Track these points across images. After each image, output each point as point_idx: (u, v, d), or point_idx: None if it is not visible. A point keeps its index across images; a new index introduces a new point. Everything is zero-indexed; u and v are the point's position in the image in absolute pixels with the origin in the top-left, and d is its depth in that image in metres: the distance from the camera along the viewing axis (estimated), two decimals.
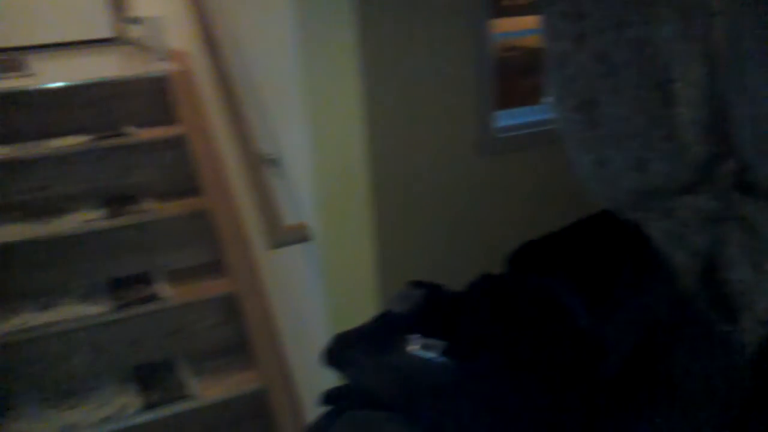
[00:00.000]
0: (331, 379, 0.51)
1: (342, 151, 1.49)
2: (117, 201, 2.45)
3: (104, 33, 4.18)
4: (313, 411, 1.94)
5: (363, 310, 1.60)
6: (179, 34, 2.81)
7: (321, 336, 1.71)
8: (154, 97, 2.73)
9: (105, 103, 2.67)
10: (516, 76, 2.15)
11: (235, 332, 2.27)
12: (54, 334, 2.08)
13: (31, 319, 2.10)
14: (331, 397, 0.49)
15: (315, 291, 1.67)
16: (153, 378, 2.12)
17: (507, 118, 1.90)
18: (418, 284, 0.52)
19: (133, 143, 2.50)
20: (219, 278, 2.35)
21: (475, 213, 1.85)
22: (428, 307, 0.50)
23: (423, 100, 1.71)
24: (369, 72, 1.52)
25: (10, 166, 2.37)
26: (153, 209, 2.39)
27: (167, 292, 2.23)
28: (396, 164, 1.71)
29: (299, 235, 1.57)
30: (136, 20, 3.51)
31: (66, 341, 2.11)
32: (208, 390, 2.06)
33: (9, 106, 2.56)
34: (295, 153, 1.61)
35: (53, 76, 2.90)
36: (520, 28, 2.11)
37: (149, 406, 1.98)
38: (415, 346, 0.46)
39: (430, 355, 0.46)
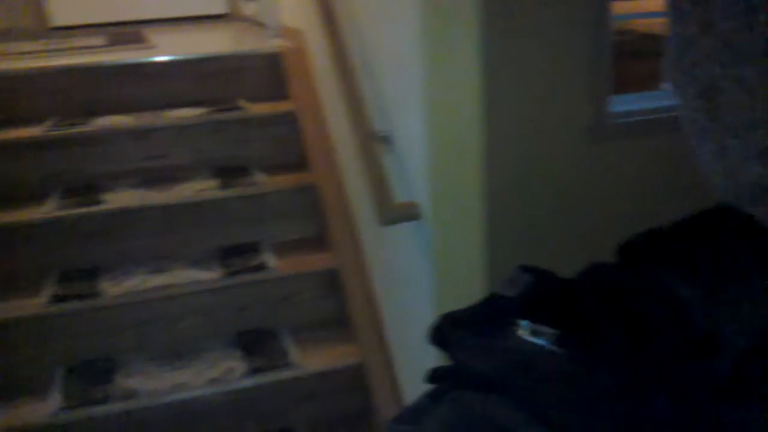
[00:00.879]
0: (430, 358, 0.50)
1: (457, 131, 1.48)
2: (229, 172, 2.54)
3: (218, 9, 4.31)
4: (410, 388, 1.96)
5: (469, 292, 1.59)
6: (293, 12, 2.86)
7: (424, 315, 1.72)
8: (267, 73, 2.79)
9: (220, 77, 2.76)
10: (630, 61, 2.08)
11: (337, 306, 2.31)
12: (165, 297, 2.18)
13: (144, 281, 2.21)
14: (437, 376, 0.49)
15: (421, 270, 1.67)
16: (257, 345, 2.19)
17: (622, 104, 1.84)
18: (527, 269, 0.51)
19: (246, 117, 2.58)
20: (323, 252, 2.40)
21: (586, 200, 1.81)
22: (538, 293, 0.49)
23: (539, 82, 1.67)
24: (488, 53, 1.50)
25: (131, 134, 2.49)
26: (262, 182, 2.45)
27: (274, 262, 2.30)
28: (509, 147, 1.68)
29: (409, 213, 1.58)
30: None
31: (176, 304, 2.20)
32: (308, 360, 2.11)
33: (130, 77, 2.69)
34: (409, 132, 1.61)
35: (171, 49, 3.01)
36: (635, 11, 2.05)
37: (253, 371, 2.05)
38: (524, 331, 0.46)
39: (541, 341, 0.45)
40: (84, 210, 2.27)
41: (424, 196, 1.56)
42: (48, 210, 2.27)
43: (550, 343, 0.44)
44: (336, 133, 2.38)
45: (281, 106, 2.67)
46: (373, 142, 1.69)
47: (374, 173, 1.64)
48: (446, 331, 0.50)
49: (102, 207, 2.28)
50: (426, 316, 1.71)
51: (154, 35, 3.53)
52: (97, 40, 3.40)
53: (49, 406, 1.95)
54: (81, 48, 3.12)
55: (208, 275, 2.22)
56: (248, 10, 3.77)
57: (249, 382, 2.02)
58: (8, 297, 2.16)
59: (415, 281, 1.75)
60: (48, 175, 2.44)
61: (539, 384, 0.42)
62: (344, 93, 1.78)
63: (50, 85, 2.62)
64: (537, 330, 0.45)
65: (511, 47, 1.60)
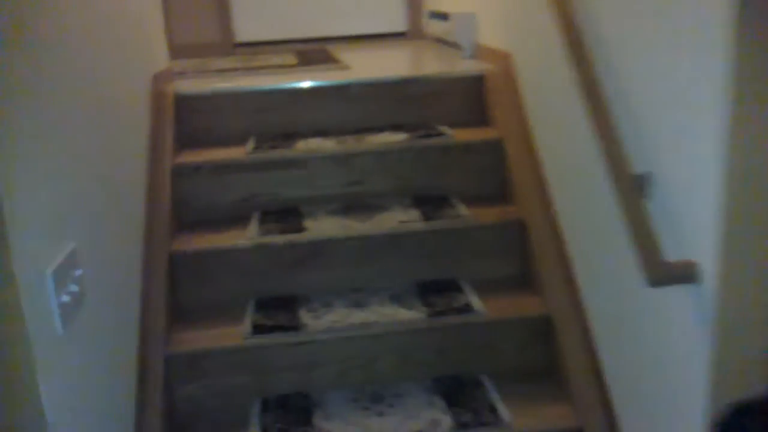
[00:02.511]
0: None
1: (763, 179, 1.23)
2: (429, 202, 2.39)
3: (399, 27, 4.22)
4: None
5: (758, 373, 1.33)
6: (497, 32, 2.69)
7: (680, 389, 1.47)
8: (467, 97, 2.64)
9: (419, 100, 2.63)
10: None
11: (547, 357, 2.10)
12: (366, 335, 2.05)
13: (344, 316, 2.09)
14: None
15: (685, 339, 1.43)
16: (459, 394, 2.01)
17: None
18: None
19: (449, 144, 2.42)
20: (530, 295, 2.19)
21: None
22: None
23: None
24: None
25: (332, 158, 2.40)
26: (465, 215, 2.28)
27: (478, 303, 2.12)
28: None
29: (685, 274, 1.34)
30: (439, 15, 3.46)
31: (375, 343, 2.07)
32: (519, 420, 1.91)
33: (330, 99, 2.61)
34: (687, 174, 1.37)
35: (367, 70, 2.92)
36: None
37: (460, 427, 1.87)
38: None
39: None
40: (288, 237, 2.19)
41: (704, 253, 1.32)
42: (251, 236, 2.21)
43: None
44: (551, 165, 2.17)
45: (484, 133, 2.49)
46: (633, 187, 1.46)
47: (637, 223, 1.41)
48: (735, 422, 0.41)
49: (305, 235, 2.20)
50: (684, 391, 1.46)
51: (342, 54, 3.47)
52: (287, 59, 3.38)
53: None
54: (274, 67, 3.09)
55: (410, 314, 2.08)
56: (433, 28, 3.64)
57: None
58: (209, 324, 2.12)
59: (668, 348, 1.51)
60: (249, 196, 2.39)
61: None
62: (595, 129, 1.57)
63: (250, 105, 2.59)
64: None
65: None
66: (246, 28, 4.19)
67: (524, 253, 2.29)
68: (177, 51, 3.94)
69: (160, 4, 2.77)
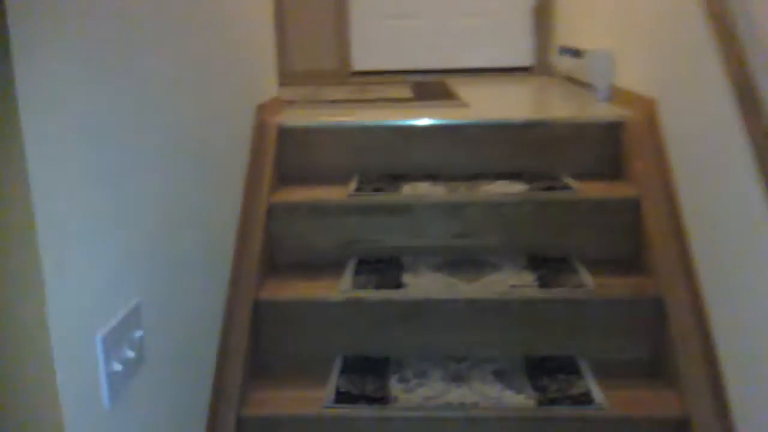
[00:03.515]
0: None
1: None
2: (547, 264, 2.09)
3: (524, 61, 3.95)
4: None
5: None
6: (637, 73, 2.37)
7: None
8: (600, 146, 2.32)
9: (542, 146, 2.34)
10: None
11: None
12: (464, 418, 1.77)
13: (441, 392, 1.82)
14: None
15: None
16: None
17: None
18: None
19: (575, 199, 2.12)
20: (663, 387, 1.84)
21: None
22: None
23: None
24: None
25: (441, 207, 2.15)
26: (588, 285, 1.96)
27: (598, 393, 1.79)
28: None
29: None
30: (571, 51, 3.16)
31: (474, 427, 1.78)
32: None
33: (443, 139, 2.37)
34: None
35: (487, 109, 2.67)
36: None
37: None
38: None
39: None
40: (385, 294, 1.96)
41: None
42: (344, 288, 1.99)
43: None
44: (701, 235, 1.83)
45: (618, 189, 2.17)
46: None
47: None
48: None
49: (403, 293, 1.95)
50: None
51: (460, 88, 3.24)
52: (402, 91, 3.18)
53: None
54: (388, 100, 2.89)
55: (517, 399, 1.78)
56: (563, 65, 3.34)
57: None
58: (290, 383, 1.91)
59: None
60: (347, 241, 2.18)
61: None
62: None
63: (356, 141, 2.39)
64: None
65: None
66: (364, 57, 4.04)
67: (659, 337, 1.95)
68: (290, 77, 3.84)
69: (272, 31, 2.64)
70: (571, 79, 3.22)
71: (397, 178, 2.31)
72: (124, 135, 1.22)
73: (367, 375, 1.91)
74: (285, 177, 2.38)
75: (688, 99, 1.92)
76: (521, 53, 3.96)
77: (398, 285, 2.00)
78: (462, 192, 2.16)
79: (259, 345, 2.01)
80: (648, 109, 2.19)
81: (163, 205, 1.41)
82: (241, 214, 2.04)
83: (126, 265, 1.22)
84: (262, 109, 2.34)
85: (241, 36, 2.15)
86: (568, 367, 1.92)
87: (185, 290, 1.55)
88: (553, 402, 1.76)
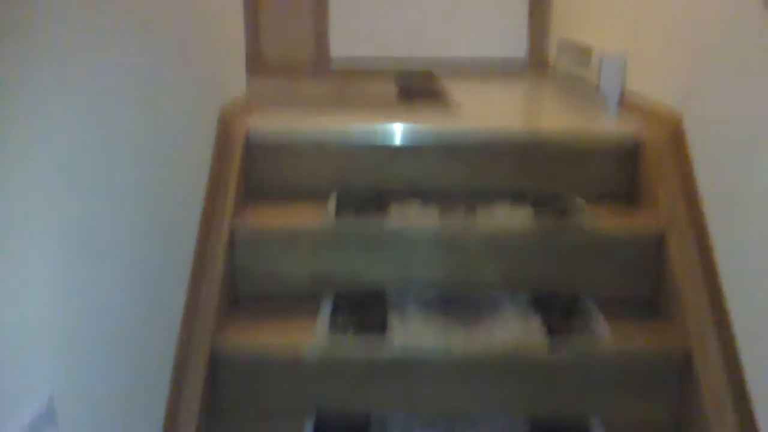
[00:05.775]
0: None
1: None
2: (555, 306, 1.80)
3: (518, 51, 3.64)
4: None
5: None
6: (657, 79, 2.07)
7: None
8: (614, 165, 2.03)
9: (549, 163, 2.04)
10: None
11: None
12: None
13: None
14: None
15: None
16: None
17: None
18: None
19: (589, 230, 1.83)
20: None
21: None
22: None
23: None
24: None
25: (433, 234, 1.85)
26: (604, 337, 1.68)
27: None
28: None
29: None
30: (574, 48, 2.86)
31: None
32: None
33: (437, 152, 2.06)
34: None
35: (480, 113, 2.37)
36: None
37: None
38: None
39: None
40: (367, 342, 1.66)
41: None
42: (320, 332, 1.69)
43: None
44: (736, 281, 1.56)
45: (637, 220, 1.89)
46: None
47: None
48: None
49: (389, 342, 1.66)
50: None
51: (449, 84, 2.92)
52: (386, 87, 2.86)
53: None
54: (371, 100, 2.57)
55: None
56: (565, 61, 3.04)
57: None
58: None
59: None
60: (321, 277, 1.87)
61: None
62: None
63: (336, 151, 2.06)
64: None
65: None
66: (343, 43, 3.69)
67: (685, 398, 1.68)
68: (262, 64, 3.49)
69: (241, 14, 2.29)
70: (574, 78, 2.91)
71: (383, 197, 2.00)
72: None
73: None
74: (254, 191, 2.05)
75: (726, 113, 1.64)
76: (515, 43, 3.64)
77: (382, 328, 1.70)
78: (458, 217, 1.86)
79: (217, 402, 1.71)
80: (673, 124, 1.90)
81: (90, 246, 1.10)
82: (198, 241, 1.73)
83: (34, 349, 0.91)
84: (227, 112, 2.01)
85: (206, 24, 1.82)
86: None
87: (122, 350, 1.24)
88: None
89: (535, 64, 3.59)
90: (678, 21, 1.97)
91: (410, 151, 2.05)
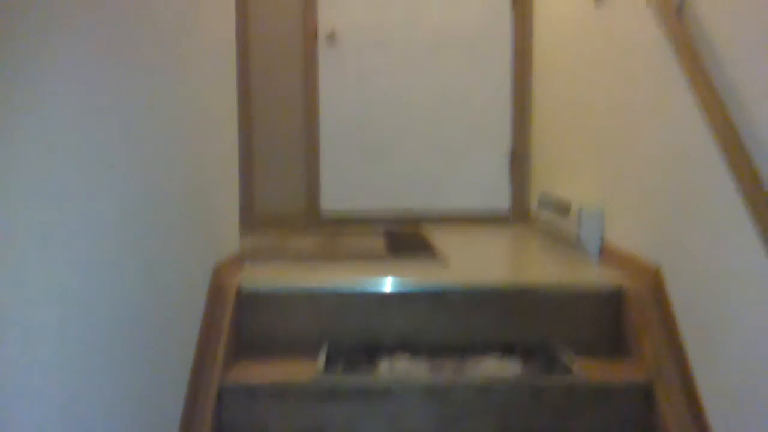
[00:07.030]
0: None
1: None
2: None
3: (501, 204, 3.78)
4: None
5: None
6: (636, 232, 2.16)
7: None
8: (598, 316, 2.08)
9: (536, 314, 2.09)
10: None
11: None
12: None
13: None
14: None
15: None
16: None
17: None
18: None
19: (577, 384, 1.84)
20: None
21: None
22: None
23: None
24: None
25: (424, 389, 1.85)
26: None
27: None
28: None
29: None
30: (553, 202, 2.99)
31: None
32: None
33: (424, 303, 2.10)
34: None
35: (467, 265, 2.44)
36: None
37: None
38: None
39: None
40: None
41: None
42: None
43: None
44: (728, 426, 1.56)
45: (624, 371, 1.91)
46: None
47: None
48: None
49: None
50: None
51: (436, 238, 3.02)
52: (375, 242, 2.95)
53: None
54: (360, 254, 2.65)
55: None
56: (546, 215, 3.16)
57: None
58: None
59: None
60: (313, 430, 1.85)
61: None
62: None
63: (326, 306, 2.10)
64: None
65: None
66: (334, 199, 3.83)
67: None
68: (255, 220, 3.61)
69: (236, 177, 2.41)
70: (556, 229, 3.02)
71: (373, 351, 2.02)
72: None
73: None
74: (244, 347, 2.07)
75: (704, 266, 1.70)
76: (498, 195, 3.80)
77: None
78: (447, 372, 1.87)
79: None
80: (652, 277, 1.97)
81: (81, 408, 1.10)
82: (186, 400, 1.72)
83: None
84: (219, 270, 2.07)
85: (203, 193, 1.91)
86: None
87: None
88: None
89: (518, 214, 3.72)
90: (652, 179, 2.08)
91: (399, 303, 2.10)
